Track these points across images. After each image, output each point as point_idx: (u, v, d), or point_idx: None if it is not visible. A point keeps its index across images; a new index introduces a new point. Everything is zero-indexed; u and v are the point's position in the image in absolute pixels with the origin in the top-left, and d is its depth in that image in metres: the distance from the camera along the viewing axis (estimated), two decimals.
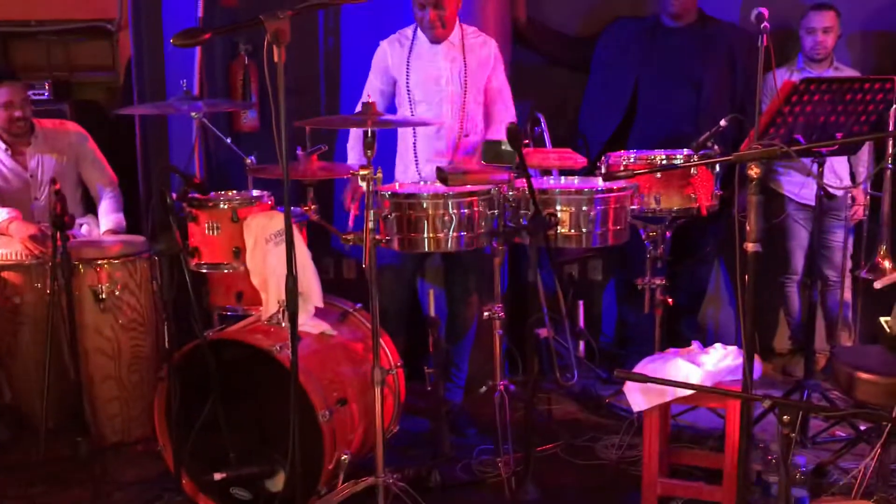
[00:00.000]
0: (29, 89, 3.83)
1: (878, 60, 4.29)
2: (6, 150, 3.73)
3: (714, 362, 2.83)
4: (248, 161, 3.24)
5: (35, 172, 3.76)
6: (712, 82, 3.98)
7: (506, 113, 3.56)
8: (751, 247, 2.33)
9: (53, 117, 4.04)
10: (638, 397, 2.81)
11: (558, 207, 2.94)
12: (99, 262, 3.46)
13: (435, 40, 3.47)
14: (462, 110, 3.50)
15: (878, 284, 3.13)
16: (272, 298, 2.96)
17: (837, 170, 4.04)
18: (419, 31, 3.51)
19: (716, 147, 3.30)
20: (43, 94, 4.55)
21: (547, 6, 4.38)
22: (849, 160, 4.07)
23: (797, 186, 4.06)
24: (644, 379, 2.48)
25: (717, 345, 2.95)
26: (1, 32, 5.03)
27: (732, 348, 2.92)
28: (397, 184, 3.31)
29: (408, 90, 3.50)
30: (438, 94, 3.49)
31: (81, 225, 3.87)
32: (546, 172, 3.46)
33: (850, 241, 4.04)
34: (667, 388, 2.73)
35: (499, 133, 3.42)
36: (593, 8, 4.41)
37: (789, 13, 4.06)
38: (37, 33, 5.03)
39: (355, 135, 3.56)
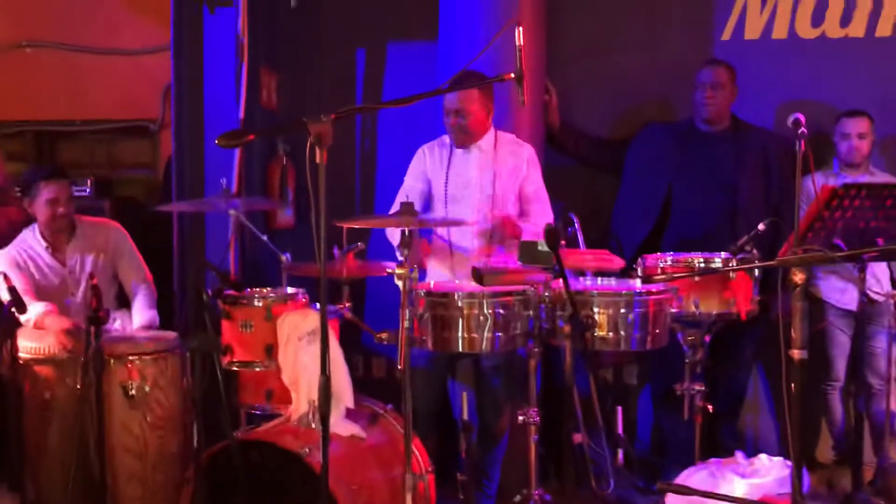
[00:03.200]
0: (72, 185, 3.90)
1: None
2: (46, 247, 3.78)
3: (761, 473, 2.72)
4: (284, 258, 3.25)
5: (74, 270, 3.80)
6: (748, 187, 3.97)
7: (542, 214, 3.57)
8: (797, 354, 2.27)
9: (94, 214, 4.11)
10: None
11: (595, 309, 2.90)
12: (130, 357, 3.44)
13: (459, 144, 3.55)
14: (489, 217, 3.50)
15: None
16: (303, 398, 2.92)
17: (878, 275, 3.97)
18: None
19: (754, 251, 3.26)
20: (84, 191, 4.64)
21: (579, 111, 4.44)
22: (889, 265, 4.00)
23: (837, 292, 3.99)
24: (688, 492, 2.38)
25: (763, 455, 2.85)
26: (47, 132, 5.20)
27: (778, 460, 2.82)
28: (432, 282, 3.29)
29: (445, 194, 3.54)
30: (469, 198, 3.53)
31: (115, 320, 3.87)
32: (580, 274, 3.43)
33: (894, 347, 3.93)
34: (711, 501, 2.61)
35: (534, 233, 3.43)
36: (625, 112, 4.47)
37: (822, 118, 4.08)
38: (81, 132, 5.19)
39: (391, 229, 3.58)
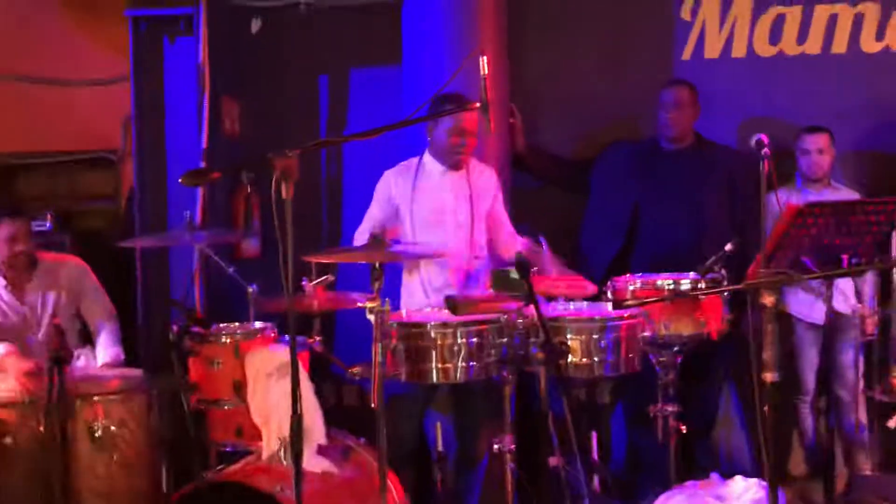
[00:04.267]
0: (31, 221, 3.82)
1: (873, 180, 4.33)
2: (6, 286, 3.69)
3: (737, 496, 2.72)
4: (251, 290, 3.19)
5: (35, 308, 3.71)
6: (713, 204, 4.01)
7: (513, 239, 3.55)
8: (769, 377, 2.27)
9: (54, 249, 4.03)
10: None
11: (569, 335, 2.89)
12: (96, 397, 3.34)
13: (459, 166, 3.51)
14: (470, 238, 3.49)
15: (892, 423, 3.06)
16: (273, 436, 2.87)
17: (844, 289, 4.01)
18: (424, 161, 3.54)
19: (722, 271, 3.27)
20: (44, 226, 4.54)
21: (544, 132, 4.46)
22: (853, 280, 4.05)
23: (805, 307, 4.03)
24: None
25: (738, 477, 2.85)
26: (5, 165, 5.09)
27: (753, 481, 2.82)
28: (404, 311, 3.26)
29: (411, 218, 3.50)
30: (444, 222, 3.50)
31: (78, 356, 3.79)
32: (551, 298, 3.42)
33: (861, 360, 3.97)
34: None
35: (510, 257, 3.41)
36: (590, 133, 4.48)
37: (783, 134, 4.11)
38: (40, 165, 5.08)
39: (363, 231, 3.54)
